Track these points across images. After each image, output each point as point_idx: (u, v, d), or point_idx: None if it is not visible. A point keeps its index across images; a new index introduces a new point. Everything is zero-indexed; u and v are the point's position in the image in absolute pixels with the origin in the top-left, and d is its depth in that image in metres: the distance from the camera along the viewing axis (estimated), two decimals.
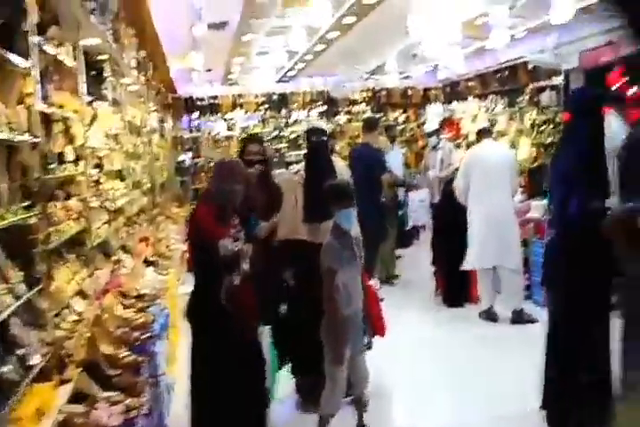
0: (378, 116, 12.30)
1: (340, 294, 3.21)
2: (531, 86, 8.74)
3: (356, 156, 6.57)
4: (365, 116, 11.68)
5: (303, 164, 4.07)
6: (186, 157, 11.91)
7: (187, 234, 3.66)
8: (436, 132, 7.66)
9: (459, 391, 4.14)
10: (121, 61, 4.66)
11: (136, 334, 3.71)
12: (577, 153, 3.07)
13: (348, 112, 12.33)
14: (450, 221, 6.07)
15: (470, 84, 10.54)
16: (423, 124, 12.24)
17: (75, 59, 3.37)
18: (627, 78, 6.85)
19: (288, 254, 3.83)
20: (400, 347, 4.68)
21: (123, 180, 5.68)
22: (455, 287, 6.10)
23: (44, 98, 3.01)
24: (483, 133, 5.84)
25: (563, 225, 2.98)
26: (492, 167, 5.41)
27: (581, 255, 3.01)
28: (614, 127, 4.56)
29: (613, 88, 6.85)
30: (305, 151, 4.41)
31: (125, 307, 4.13)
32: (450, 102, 11.87)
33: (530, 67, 8.25)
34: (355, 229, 3.48)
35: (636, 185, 2.60)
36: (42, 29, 2.95)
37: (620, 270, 3.14)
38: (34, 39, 2.77)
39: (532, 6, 5.22)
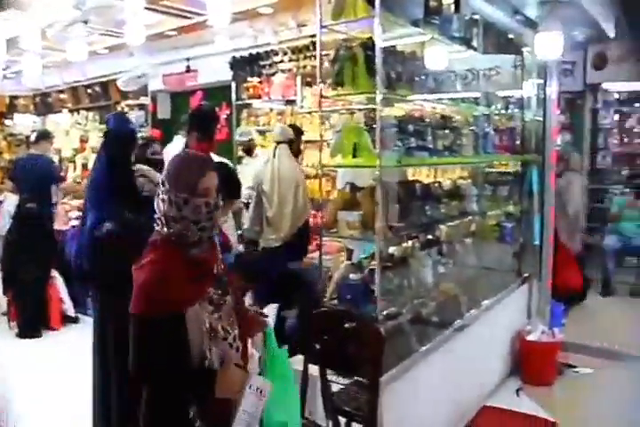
0: None
1: None
2: (123, 104, 8.81)
3: (25, 166, 5.80)
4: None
5: None
6: None
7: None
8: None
9: None
10: None
11: None
12: (97, 177, 3.21)
13: None
14: None
15: (62, 96, 10.05)
16: (12, 135, 11.21)
17: None
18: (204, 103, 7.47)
19: None
20: None
21: None
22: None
23: None
24: None
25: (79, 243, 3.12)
26: None
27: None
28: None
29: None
30: None
31: None
32: (44, 114, 11.17)
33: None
34: None
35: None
36: None
37: None
38: None
39: (107, 24, 5.20)
